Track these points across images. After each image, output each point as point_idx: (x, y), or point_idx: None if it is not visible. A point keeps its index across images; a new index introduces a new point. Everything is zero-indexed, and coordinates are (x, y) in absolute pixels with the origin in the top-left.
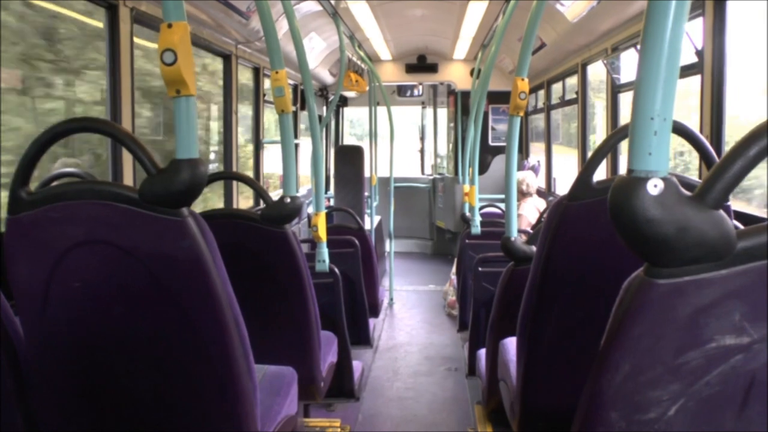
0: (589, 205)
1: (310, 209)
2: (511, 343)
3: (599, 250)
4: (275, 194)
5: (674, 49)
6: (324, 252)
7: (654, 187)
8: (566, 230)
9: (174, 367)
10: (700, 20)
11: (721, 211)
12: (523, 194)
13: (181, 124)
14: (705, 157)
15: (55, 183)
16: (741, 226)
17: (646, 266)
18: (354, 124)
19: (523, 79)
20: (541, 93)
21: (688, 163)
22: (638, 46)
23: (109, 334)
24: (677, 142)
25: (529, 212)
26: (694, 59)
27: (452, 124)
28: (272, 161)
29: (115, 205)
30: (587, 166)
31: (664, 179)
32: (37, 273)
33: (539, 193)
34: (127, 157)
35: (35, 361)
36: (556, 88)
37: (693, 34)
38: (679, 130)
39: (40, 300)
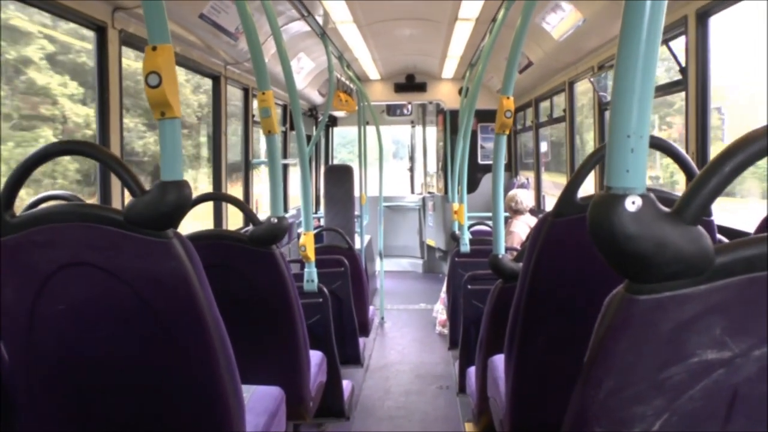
0: (574, 221)
1: (301, 229)
2: (500, 361)
3: (584, 265)
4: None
5: (649, 66)
6: (313, 272)
7: (632, 203)
8: (551, 246)
9: (160, 388)
10: (683, 38)
11: (699, 227)
12: (515, 212)
13: (167, 146)
14: (686, 171)
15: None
16: (726, 240)
17: (626, 282)
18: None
19: (508, 98)
20: (530, 111)
21: None
22: None
23: (94, 355)
24: None
25: (521, 230)
26: (679, 76)
27: (441, 143)
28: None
29: (100, 227)
30: (571, 183)
31: (642, 196)
32: (22, 296)
33: (531, 211)
34: (115, 180)
35: (20, 383)
36: (545, 106)
37: (678, 52)
38: (659, 145)
39: (26, 323)
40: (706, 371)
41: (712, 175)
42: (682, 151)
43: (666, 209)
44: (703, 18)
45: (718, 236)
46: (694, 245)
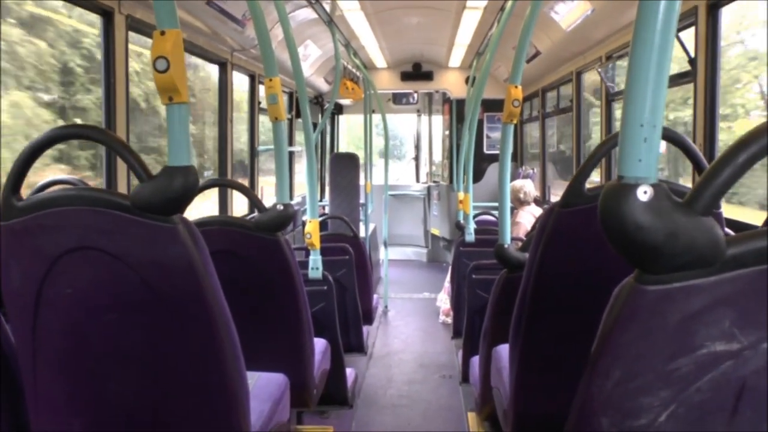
0: (581, 211)
1: (306, 217)
2: (504, 350)
3: (591, 256)
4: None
5: (663, 56)
6: (317, 259)
7: (644, 193)
8: (558, 236)
9: (165, 373)
10: (693, 29)
11: (711, 218)
12: (521, 202)
13: (174, 131)
14: (695, 164)
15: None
16: (732, 233)
17: (636, 273)
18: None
19: (516, 87)
20: (536, 101)
21: None
22: None
23: (100, 340)
24: None
25: (526, 220)
26: (688, 68)
27: (447, 132)
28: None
29: (106, 212)
30: (579, 173)
31: (653, 186)
32: (29, 280)
33: (536, 201)
34: (121, 164)
35: (27, 367)
36: (552, 96)
37: (687, 42)
38: (670, 137)
39: (32, 307)
40: (714, 363)
41: (726, 165)
42: (692, 143)
43: (678, 199)
44: (714, 8)
45: (726, 229)
46: (706, 236)
